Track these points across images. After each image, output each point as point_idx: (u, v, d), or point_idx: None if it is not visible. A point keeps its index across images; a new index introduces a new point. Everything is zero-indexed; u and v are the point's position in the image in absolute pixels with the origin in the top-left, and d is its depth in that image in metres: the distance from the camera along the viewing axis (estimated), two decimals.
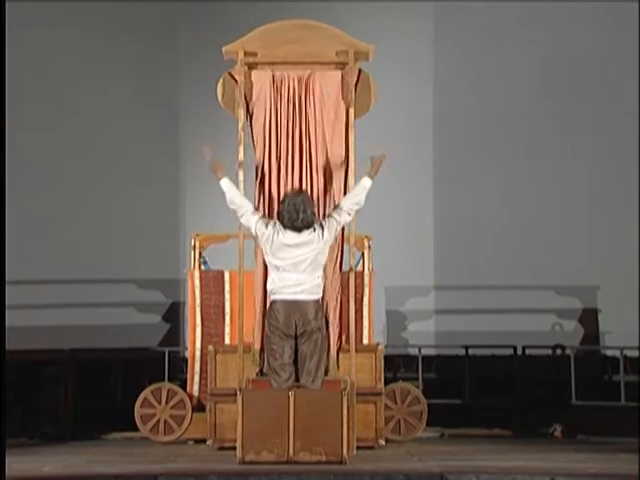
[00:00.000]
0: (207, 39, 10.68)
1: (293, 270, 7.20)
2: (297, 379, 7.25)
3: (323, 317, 7.32)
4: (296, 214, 7.17)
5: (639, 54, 11.07)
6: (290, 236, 7.20)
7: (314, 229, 7.23)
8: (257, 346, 7.60)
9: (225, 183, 7.40)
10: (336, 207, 7.42)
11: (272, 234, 7.21)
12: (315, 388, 7.19)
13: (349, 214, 7.35)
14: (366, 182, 7.40)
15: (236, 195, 7.39)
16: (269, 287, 7.31)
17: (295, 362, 7.27)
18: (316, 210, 7.37)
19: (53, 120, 11.29)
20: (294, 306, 7.19)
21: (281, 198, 7.37)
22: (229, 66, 7.81)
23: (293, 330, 7.21)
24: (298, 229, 7.19)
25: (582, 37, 11.29)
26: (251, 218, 7.33)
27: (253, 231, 7.32)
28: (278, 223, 7.24)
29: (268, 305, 7.36)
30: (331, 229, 7.27)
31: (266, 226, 7.26)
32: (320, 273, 7.29)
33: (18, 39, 10.40)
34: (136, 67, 11.44)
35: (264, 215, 7.46)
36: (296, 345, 7.24)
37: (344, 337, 7.75)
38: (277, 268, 7.24)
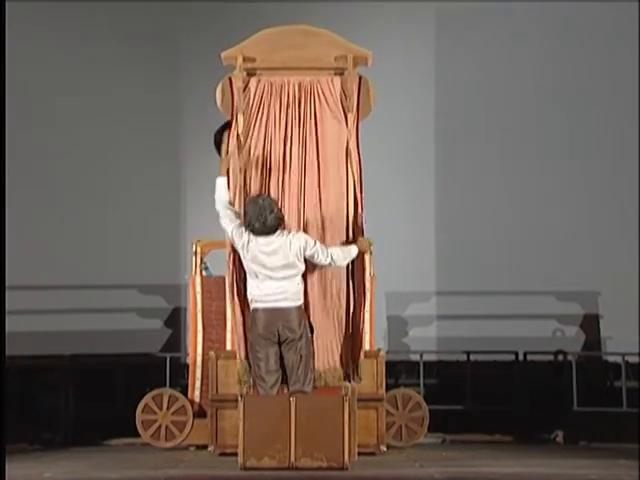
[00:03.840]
0: (208, 43, 10.67)
1: (272, 278, 7.18)
2: (283, 383, 7.25)
3: (307, 323, 7.30)
4: (263, 215, 7.14)
5: (639, 54, 11.08)
6: (264, 242, 7.17)
7: (287, 234, 7.20)
8: (242, 355, 7.53)
9: (221, 181, 7.44)
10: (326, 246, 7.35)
11: (247, 241, 7.20)
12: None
13: (326, 259, 7.26)
14: (354, 252, 7.38)
15: (223, 198, 7.40)
16: (249, 295, 7.28)
17: (281, 367, 7.25)
18: (282, 210, 7.32)
19: (54, 125, 11.29)
20: (276, 314, 7.17)
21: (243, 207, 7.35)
22: (230, 71, 7.80)
23: (276, 337, 7.19)
24: (269, 229, 7.15)
25: (585, 35, 11.28)
26: (230, 224, 7.32)
27: (230, 238, 7.30)
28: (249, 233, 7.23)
29: (250, 313, 7.33)
30: (308, 246, 7.19)
31: (242, 234, 7.25)
32: (299, 279, 7.26)
33: (18, 42, 10.41)
34: (136, 72, 11.43)
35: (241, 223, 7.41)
36: (281, 352, 7.23)
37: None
38: (256, 276, 7.21)
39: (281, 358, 7.23)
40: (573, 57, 11.32)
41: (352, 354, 7.54)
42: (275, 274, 7.17)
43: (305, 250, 7.21)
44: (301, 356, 7.20)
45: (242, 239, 7.22)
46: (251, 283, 7.25)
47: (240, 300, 7.45)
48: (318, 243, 7.30)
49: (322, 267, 7.43)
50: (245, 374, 7.45)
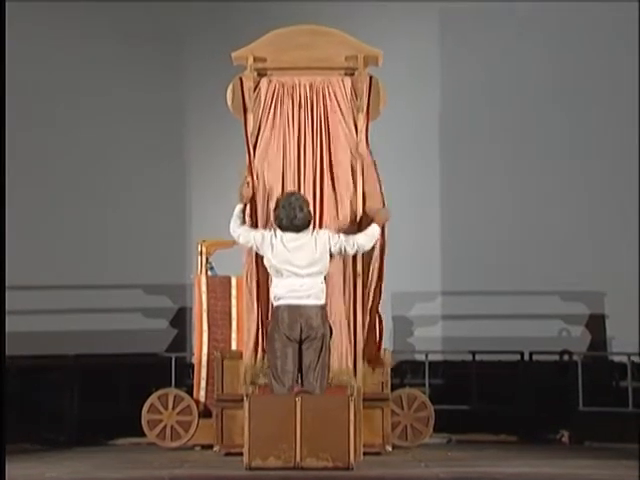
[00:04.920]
0: (213, 43, 10.69)
1: (297, 274, 7.19)
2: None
3: (327, 324, 7.29)
4: (293, 212, 7.18)
5: (639, 55, 11.07)
6: (290, 238, 7.20)
7: (312, 232, 7.24)
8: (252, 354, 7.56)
9: (239, 209, 7.44)
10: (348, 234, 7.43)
11: (271, 238, 7.22)
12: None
13: (352, 248, 7.33)
14: (376, 230, 7.46)
15: (237, 222, 7.43)
16: (273, 292, 7.29)
17: (297, 367, 7.25)
18: (312, 209, 7.38)
19: (57, 125, 11.29)
20: (299, 311, 7.18)
21: (275, 203, 7.37)
22: (234, 71, 7.81)
23: (298, 335, 7.19)
24: (297, 228, 7.19)
25: (588, 36, 11.27)
26: (249, 233, 7.35)
27: (253, 243, 7.33)
28: (275, 229, 7.24)
29: (271, 311, 7.35)
30: (331, 240, 7.24)
31: (263, 234, 7.28)
32: (322, 278, 7.28)
33: (19, 42, 10.41)
34: (140, 72, 11.43)
35: (263, 227, 7.47)
36: (300, 351, 7.22)
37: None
38: (281, 274, 7.22)
39: (299, 358, 7.22)
40: (576, 57, 11.30)
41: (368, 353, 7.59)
42: (300, 271, 7.18)
43: (330, 246, 7.24)
44: (319, 356, 7.19)
45: (265, 241, 7.25)
46: (275, 282, 7.27)
47: (259, 300, 7.48)
48: (341, 236, 7.34)
49: (335, 266, 7.45)
50: (260, 374, 7.47)
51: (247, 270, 7.57)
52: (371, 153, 7.69)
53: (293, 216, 7.18)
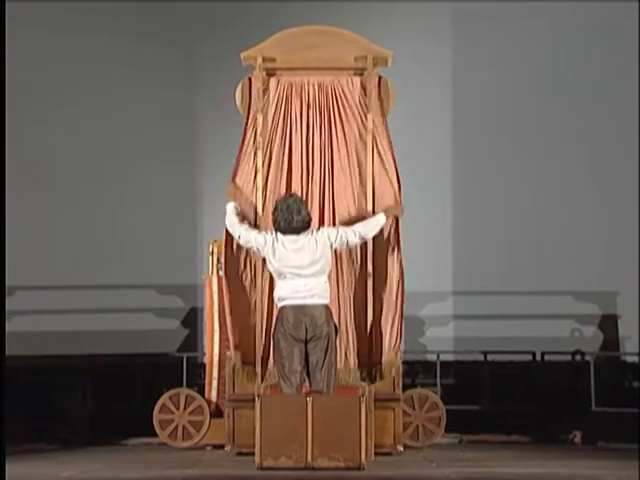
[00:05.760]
0: (223, 46, 10.70)
1: (300, 275, 7.19)
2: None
3: (332, 324, 7.29)
4: (291, 215, 7.17)
5: (639, 51, 11.07)
6: (290, 240, 7.19)
7: (312, 232, 7.23)
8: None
9: (230, 206, 7.48)
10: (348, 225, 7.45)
11: (273, 242, 7.22)
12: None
13: (355, 236, 7.34)
14: (381, 218, 7.45)
15: (234, 220, 7.45)
16: (277, 294, 7.29)
17: (305, 367, 7.25)
18: (316, 209, 7.42)
19: (69, 127, 11.32)
20: (304, 310, 7.18)
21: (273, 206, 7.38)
22: (246, 72, 7.82)
23: (303, 334, 7.18)
24: (296, 230, 7.18)
25: (599, 36, 11.26)
26: (250, 234, 7.36)
27: (253, 245, 7.33)
28: (275, 232, 7.24)
29: (276, 312, 7.36)
30: (331, 236, 7.25)
31: (265, 237, 7.27)
32: (326, 278, 7.28)
33: (30, 45, 10.45)
34: (152, 75, 11.46)
35: (263, 229, 7.49)
36: (306, 351, 7.23)
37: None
38: (284, 276, 7.22)
39: (306, 358, 7.23)
40: (588, 58, 11.29)
41: (375, 354, 7.59)
42: (303, 271, 7.18)
43: (332, 242, 7.24)
44: (325, 356, 7.19)
45: (267, 244, 7.24)
46: (279, 284, 7.27)
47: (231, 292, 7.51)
48: (340, 228, 7.35)
49: (339, 266, 7.46)
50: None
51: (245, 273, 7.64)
52: (392, 147, 7.70)
53: (291, 219, 7.18)
